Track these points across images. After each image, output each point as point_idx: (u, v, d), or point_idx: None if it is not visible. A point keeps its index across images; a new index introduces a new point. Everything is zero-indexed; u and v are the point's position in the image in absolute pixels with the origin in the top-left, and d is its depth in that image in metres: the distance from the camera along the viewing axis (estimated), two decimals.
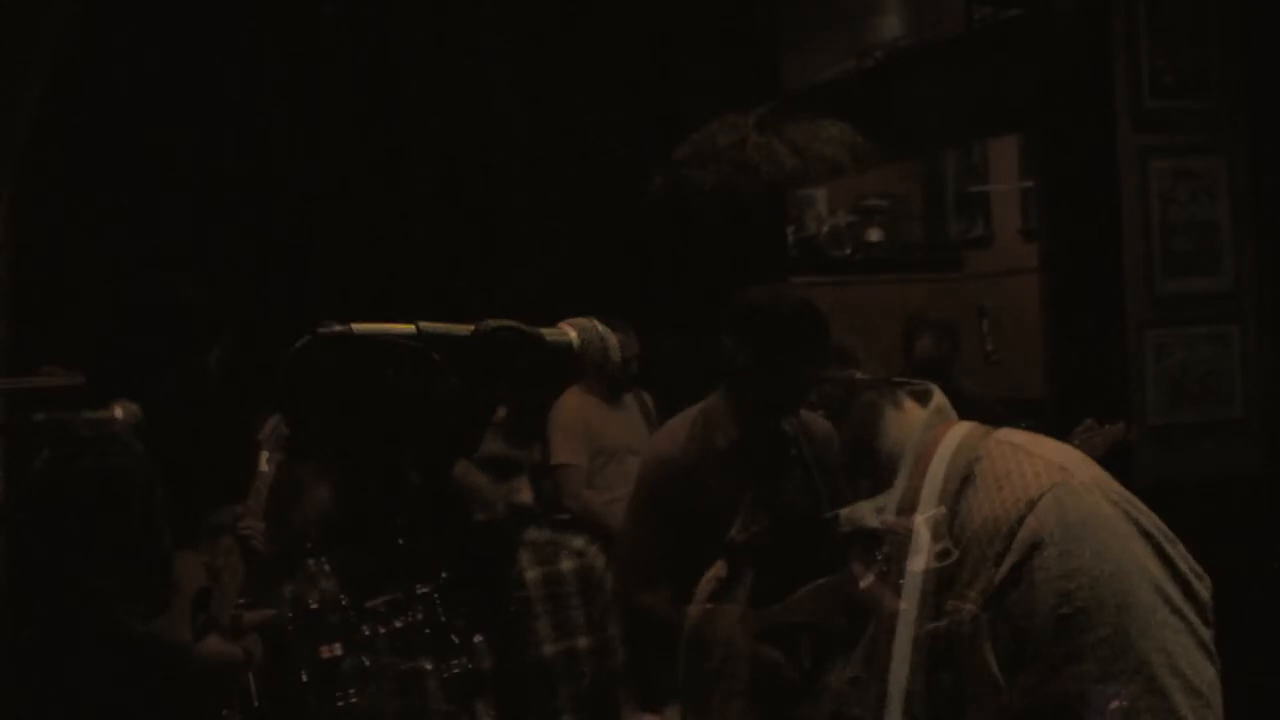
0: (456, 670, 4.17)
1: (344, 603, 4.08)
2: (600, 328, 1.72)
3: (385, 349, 4.39)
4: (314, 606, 4.08)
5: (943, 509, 4.98)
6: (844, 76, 9.24)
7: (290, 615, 3.96)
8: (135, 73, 5.05)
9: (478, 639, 4.25)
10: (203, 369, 3.01)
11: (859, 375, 3.43)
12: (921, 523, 4.97)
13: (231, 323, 3.10)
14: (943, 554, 4.95)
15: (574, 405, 5.13)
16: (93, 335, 3.12)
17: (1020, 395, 7.17)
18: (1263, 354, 5.84)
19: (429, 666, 4.12)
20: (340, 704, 3.84)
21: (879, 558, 5.04)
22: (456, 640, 4.20)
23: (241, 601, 3.37)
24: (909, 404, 2.32)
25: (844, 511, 2.96)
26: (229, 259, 5.15)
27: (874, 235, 11.59)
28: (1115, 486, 1.85)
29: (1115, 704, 2.22)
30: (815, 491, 3.14)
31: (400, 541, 4.43)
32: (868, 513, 4.70)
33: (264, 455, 3.43)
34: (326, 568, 4.45)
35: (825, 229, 11.24)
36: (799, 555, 3.11)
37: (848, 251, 11.21)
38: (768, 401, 3.01)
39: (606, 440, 5.08)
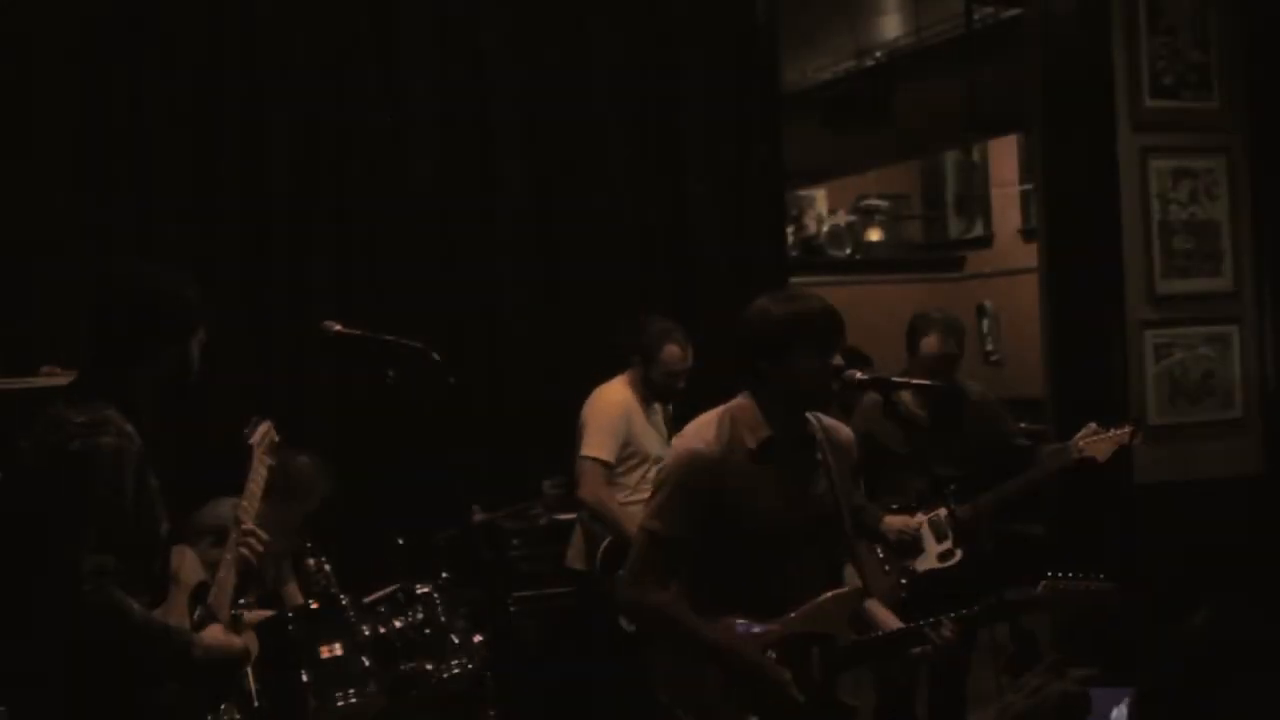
0: (456, 670, 4.18)
1: (344, 602, 4.08)
2: None
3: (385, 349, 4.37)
4: (314, 606, 4.09)
5: (943, 509, 4.97)
6: (844, 76, 9.26)
7: (290, 615, 3.97)
8: (134, 64, 5.04)
9: (478, 639, 4.26)
10: (185, 358, 3.00)
11: (860, 375, 3.43)
12: (924, 524, 4.98)
13: (211, 312, 3.09)
14: (945, 555, 4.95)
15: (618, 400, 5.01)
16: (76, 327, 3.11)
17: (1020, 395, 7.18)
18: (1262, 354, 5.84)
19: (429, 666, 4.12)
20: (340, 704, 3.84)
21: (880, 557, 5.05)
22: (456, 640, 4.21)
23: (241, 602, 3.37)
24: None
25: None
26: (225, 257, 5.16)
27: (874, 235, 11.60)
28: None
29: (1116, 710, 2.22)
30: (834, 495, 3.15)
31: (400, 541, 4.44)
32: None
33: (257, 457, 3.43)
34: (327, 567, 4.46)
35: (825, 229, 11.25)
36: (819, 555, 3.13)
37: (848, 251, 11.22)
38: (798, 401, 3.03)
39: (639, 443, 4.97)
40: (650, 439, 4.98)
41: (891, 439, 4.67)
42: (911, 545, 4.61)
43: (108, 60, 5.00)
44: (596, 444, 4.94)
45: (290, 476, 4.35)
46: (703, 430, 3.06)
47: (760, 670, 2.95)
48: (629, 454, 4.96)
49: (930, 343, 4.68)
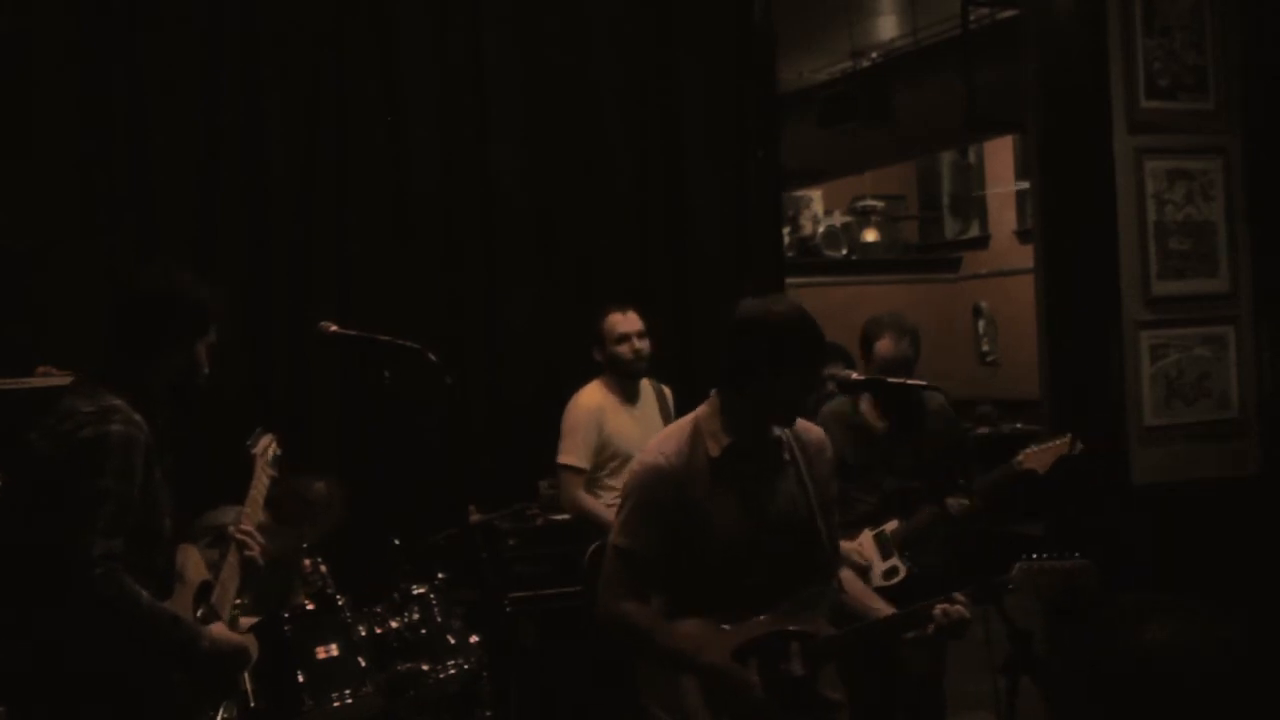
0: (453, 670, 4.18)
1: (340, 603, 4.09)
2: None
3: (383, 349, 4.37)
4: (310, 607, 4.10)
5: (895, 523, 4.92)
6: (841, 77, 9.27)
7: (287, 616, 3.97)
8: (134, 64, 5.05)
9: (474, 639, 4.27)
10: (193, 358, 3.01)
11: (855, 375, 3.44)
12: (869, 539, 4.88)
13: (221, 312, 3.10)
14: (890, 572, 4.87)
15: (590, 404, 5.00)
16: (76, 327, 3.11)
17: (1016, 396, 7.19)
18: (1259, 355, 5.84)
19: (425, 667, 4.13)
20: (336, 704, 3.84)
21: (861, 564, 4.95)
22: (453, 641, 4.21)
23: (239, 602, 3.38)
24: None
25: None
26: (228, 257, 5.16)
27: (870, 236, 11.61)
28: None
29: None
30: (807, 497, 3.15)
31: (397, 542, 4.45)
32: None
33: (259, 467, 3.45)
34: (323, 568, 4.46)
35: (821, 230, 11.27)
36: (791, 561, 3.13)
37: (844, 252, 11.23)
38: (774, 407, 3.02)
39: (619, 441, 4.96)
40: (630, 433, 4.95)
41: (843, 450, 4.50)
42: (863, 574, 4.30)
43: (108, 60, 5.00)
44: (568, 451, 4.97)
45: (307, 501, 4.38)
46: (664, 443, 3.05)
47: (721, 674, 2.94)
48: (608, 455, 4.96)
49: (884, 345, 4.56)
